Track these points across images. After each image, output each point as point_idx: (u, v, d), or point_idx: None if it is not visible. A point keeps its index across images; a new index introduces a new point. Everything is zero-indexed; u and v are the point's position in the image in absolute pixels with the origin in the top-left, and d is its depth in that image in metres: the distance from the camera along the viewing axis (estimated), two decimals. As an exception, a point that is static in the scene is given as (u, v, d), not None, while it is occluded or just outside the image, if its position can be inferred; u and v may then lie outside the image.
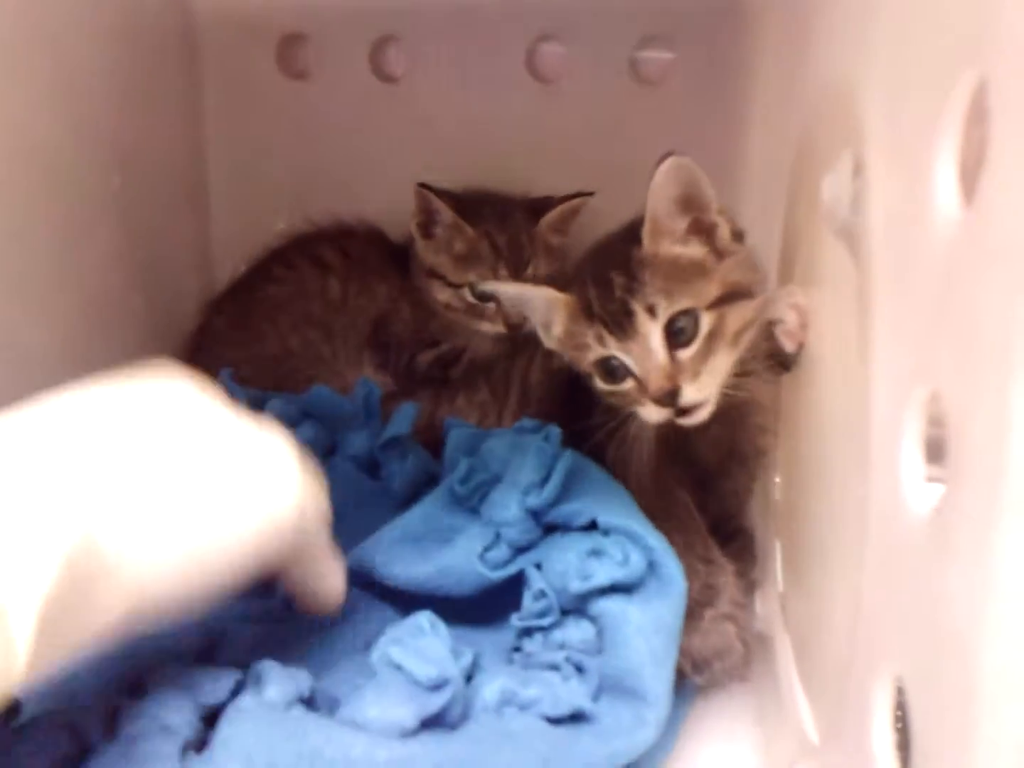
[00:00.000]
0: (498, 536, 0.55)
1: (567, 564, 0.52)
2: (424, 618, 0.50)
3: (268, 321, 0.81)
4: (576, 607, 0.53)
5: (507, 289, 0.72)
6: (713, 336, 0.53)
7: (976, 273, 0.27)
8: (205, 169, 0.88)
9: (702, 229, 0.56)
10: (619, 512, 0.54)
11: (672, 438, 0.59)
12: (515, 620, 0.54)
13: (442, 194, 0.79)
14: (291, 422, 0.68)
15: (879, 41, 0.38)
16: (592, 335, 0.56)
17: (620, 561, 0.51)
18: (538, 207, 0.82)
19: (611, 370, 0.56)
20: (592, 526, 0.55)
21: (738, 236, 0.57)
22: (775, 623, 0.57)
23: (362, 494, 0.65)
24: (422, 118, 0.86)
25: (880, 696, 0.35)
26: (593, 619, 0.52)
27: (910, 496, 0.32)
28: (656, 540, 0.52)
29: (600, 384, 0.58)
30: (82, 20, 0.69)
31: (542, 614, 0.53)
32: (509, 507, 0.54)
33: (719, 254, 0.56)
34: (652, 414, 0.55)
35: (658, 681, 0.49)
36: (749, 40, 0.80)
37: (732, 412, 0.57)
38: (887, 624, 0.34)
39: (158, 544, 0.36)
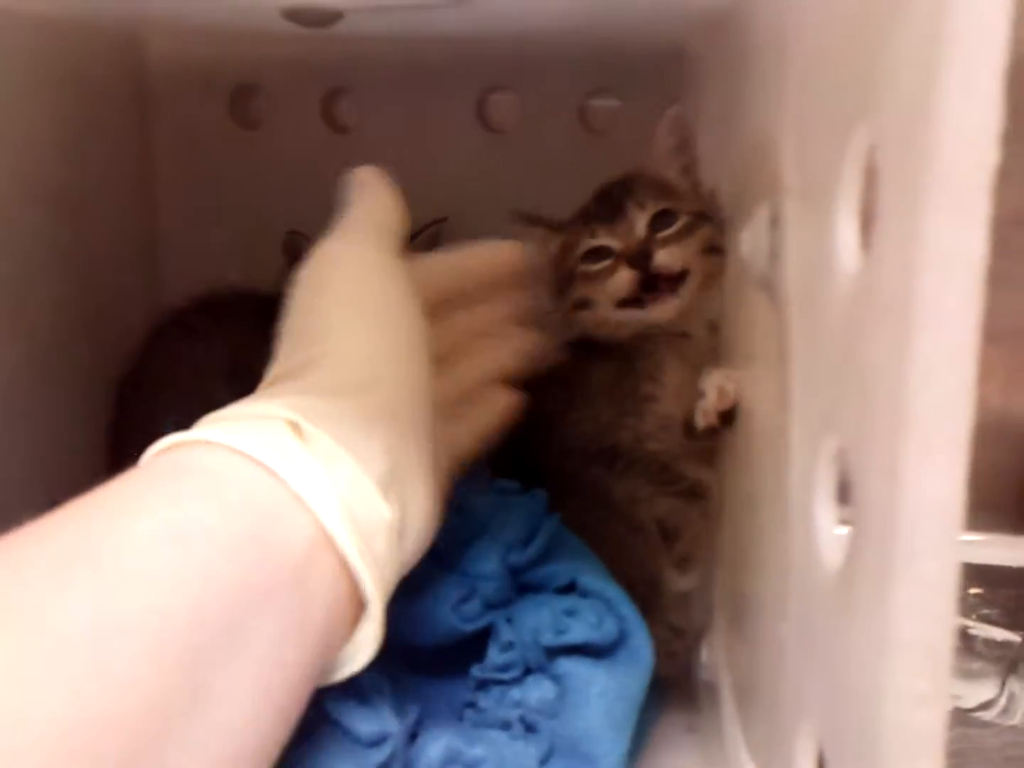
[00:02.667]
0: (474, 590, 0.53)
1: (540, 619, 0.52)
2: (366, 675, 0.49)
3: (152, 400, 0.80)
4: (540, 666, 0.52)
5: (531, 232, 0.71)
6: (686, 233, 0.61)
7: (870, 327, 0.27)
8: (155, 218, 0.88)
9: (689, 173, 0.68)
10: (597, 577, 0.54)
11: None
12: (475, 671, 0.53)
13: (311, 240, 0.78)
14: None
15: (791, 94, 0.39)
16: (586, 233, 0.64)
17: (594, 624, 0.51)
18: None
19: (595, 253, 0.63)
20: (569, 588, 0.54)
21: (714, 196, 0.65)
22: (720, 672, 0.57)
23: None
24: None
25: (803, 751, 0.34)
26: (556, 679, 0.51)
27: (823, 548, 0.32)
28: (629, 610, 0.52)
29: (580, 267, 0.63)
30: (29, 71, 0.69)
31: (505, 668, 0.52)
32: (489, 561, 0.53)
33: (698, 196, 0.66)
34: (620, 280, 0.60)
35: (615, 748, 0.48)
36: (693, 90, 0.81)
37: None
38: (805, 678, 0.34)
39: None
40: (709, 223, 0.61)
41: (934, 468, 0.24)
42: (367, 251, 0.44)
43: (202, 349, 0.82)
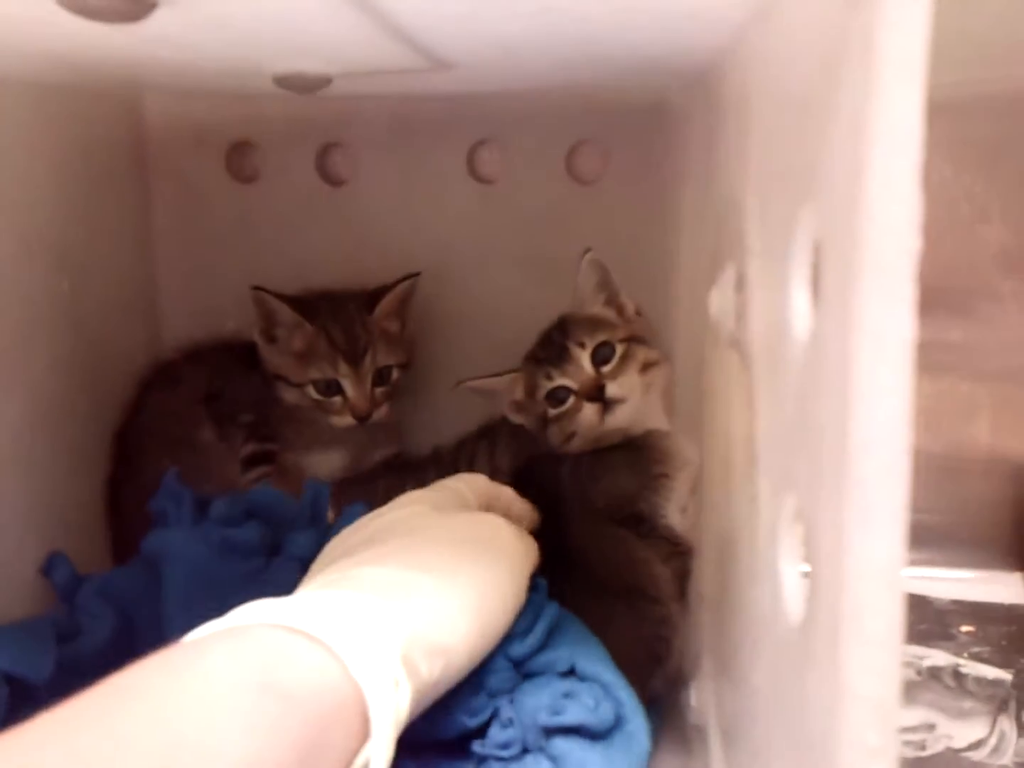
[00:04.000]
0: (480, 684, 0.54)
1: (540, 701, 0.53)
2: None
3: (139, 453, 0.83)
4: (538, 745, 0.53)
5: (482, 384, 0.80)
6: (625, 360, 0.75)
7: (819, 392, 0.29)
8: (155, 271, 0.91)
9: (612, 303, 0.79)
10: (596, 661, 0.56)
11: None
12: (476, 747, 0.54)
13: (279, 295, 0.80)
14: (234, 522, 0.68)
15: (753, 160, 0.40)
16: (542, 376, 0.76)
17: (591, 707, 0.52)
18: (374, 297, 0.84)
19: (557, 396, 0.75)
20: (569, 672, 0.56)
21: (639, 312, 0.80)
22: (709, 715, 0.58)
23: None
24: (367, 219, 0.89)
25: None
26: (553, 759, 0.53)
27: (786, 601, 0.33)
28: (627, 695, 0.54)
29: (551, 411, 0.75)
30: (32, 133, 0.71)
31: (505, 745, 0.53)
32: (494, 655, 0.53)
33: (626, 320, 0.78)
34: (588, 414, 0.73)
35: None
36: (676, 143, 0.83)
37: None
38: (774, 726, 0.35)
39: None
40: (642, 343, 0.76)
41: (876, 531, 0.25)
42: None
43: (185, 393, 0.84)
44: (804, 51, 0.31)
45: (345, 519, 0.69)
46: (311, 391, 0.81)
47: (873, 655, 0.26)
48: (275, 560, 0.68)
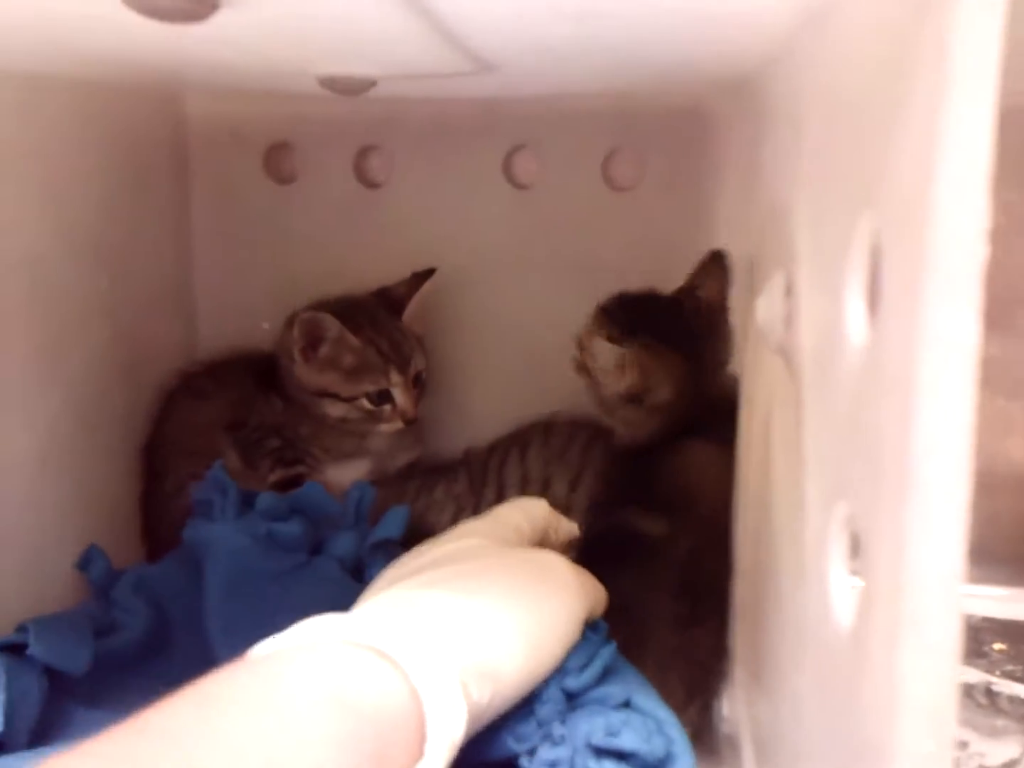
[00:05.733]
0: (531, 712, 0.52)
1: (594, 724, 0.52)
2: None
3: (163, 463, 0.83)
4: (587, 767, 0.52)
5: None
6: None
7: (877, 398, 0.29)
8: (191, 270, 0.91)
9: None
10: (650, 698, 0.55)
11: None
12: (524, 762, 0.52)
13: (332, 313, 0.80)
14: (279, 516, 0.69)
15: (805, 167, 0.40)
16: None
17: (644, 737, 0.52)
18: (390, 300, 0.84)
19: None
20: (623, 706, 0.54)
21: None
22: (741, 725, 0.58)
23: (345, 596, 0.65)
24: (402, 222, 0.90)
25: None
26: None
27: (836, 608, 0.33)
28: (678, 734, 0.53)
29: None
30: (75, 130, 0.72)
31: (554, 763, 0.52)
32: (547, 685, 0.52)
33: None
34: None
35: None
36: (714, 149, 0.83)
37: None
38: (821, 733, 0.35)
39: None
40: None
41: (937, 538, 0.25)
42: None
43: (208, 412, 0.85)
44: (865, 57, 0.31)
45: (388, 521, 0.70)
46: (364, 403, 0.81)
47: (931, 663, 0.26)
48: (316, 558, 0.68)
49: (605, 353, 0.68)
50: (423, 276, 0.86)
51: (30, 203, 0.67)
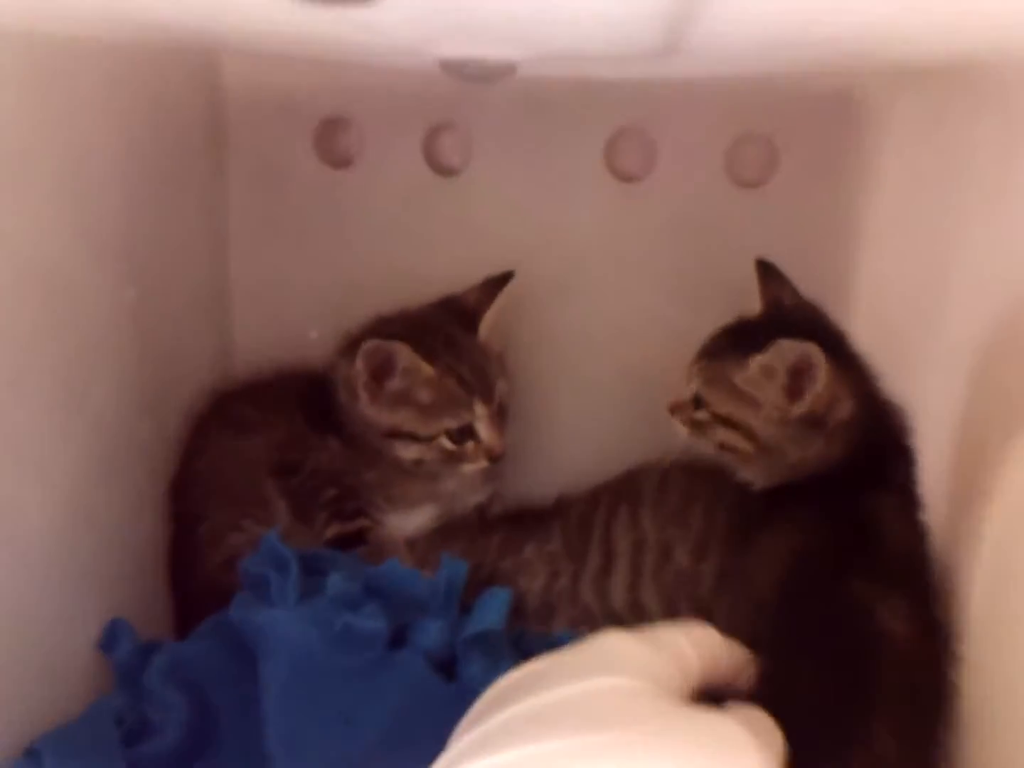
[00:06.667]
0: None
1: None
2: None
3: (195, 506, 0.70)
4: None
5: None
6: None
7: None
8: (227, 270, 0.77)
9: None
10: None
11: None
12: None
13: (397, 340, 0.65)
14: (352, 603, 0.56)
15: None
16: None
17: None
18: (461, 312, 0.69)
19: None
20: None
21: None
22: None
23: (432, 701, 0.53)
24: (481, 216, 0.75)
25: None
26: None
27: None
28: None
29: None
30: (96, 105, 0.57)
31: None
32: None
33: None
34: None
35: None
36: (866, 140, 0.69)
37: None
38: None
39: None
40: None
41: None
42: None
43: (251, 449, 0.70)
44: None
45: (486, 608, 0.57)
46: (444, 442, 0.67)
47: None
48: (398, 653, 0.55)
49: (776, 369, 0.57)
50: (499, 282, 0.71)
51: (45, 195, 0.52)
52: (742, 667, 0.44)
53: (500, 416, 0.69)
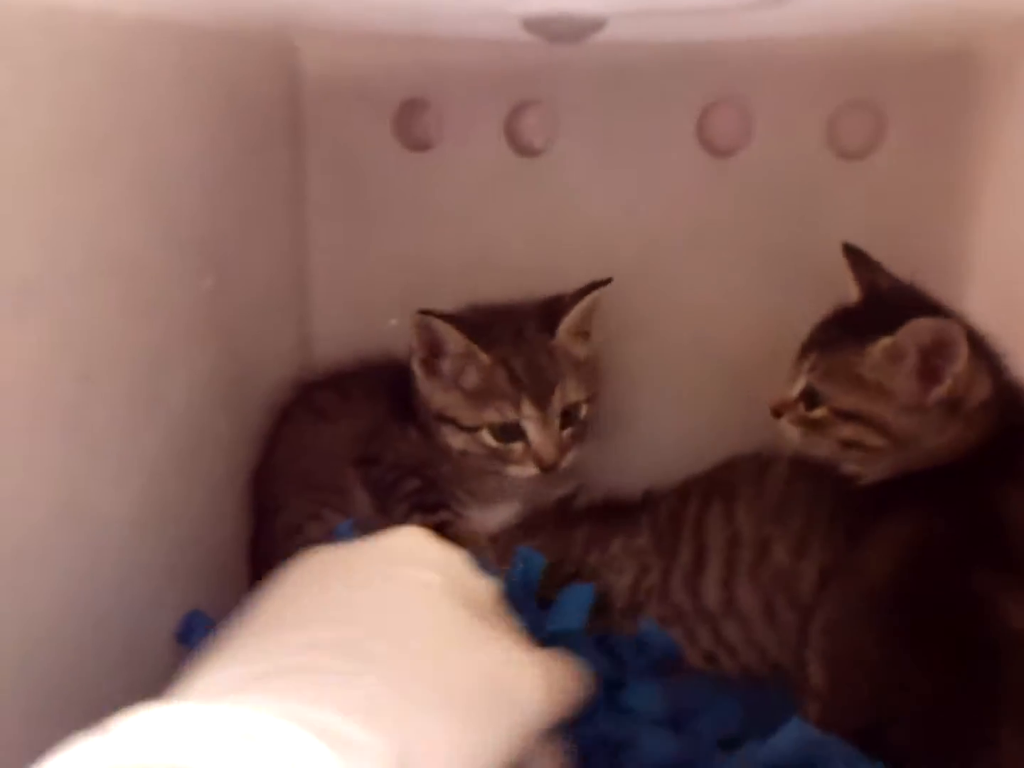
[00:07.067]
0: None
1: None
2: None
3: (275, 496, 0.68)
4: None
5: None
6: None
7: None
8: (306, 257, 0.75)
9: None
10: None
11: None
12: None
13: (449, 318, 0.63)
14: None
15: None
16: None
17: None
18: (553, 313, 0.65)
19: None
20: None
21: None
22: None
23: None
24: (566, 197, 0.72)
25: None
26: None
27: None
28: None
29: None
30: (174, 90, 0.56)
31: None
32: None
33: None
34: None
35: None
36: (987, 104, 0.64)
37: None
38: None
39: None
40: None
41: None
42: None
43: (331, 438, 0.69)
44: None
45: (568, 605, 0.54)
46: (486, 437, 0.63)
47: None
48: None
49: (907, 352, 0.53)
50: (590, 287, 0.65)
51: (124, 183, 0.51)
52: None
53: (565, 425, 0.64)
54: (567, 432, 0.64)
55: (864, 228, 0.67)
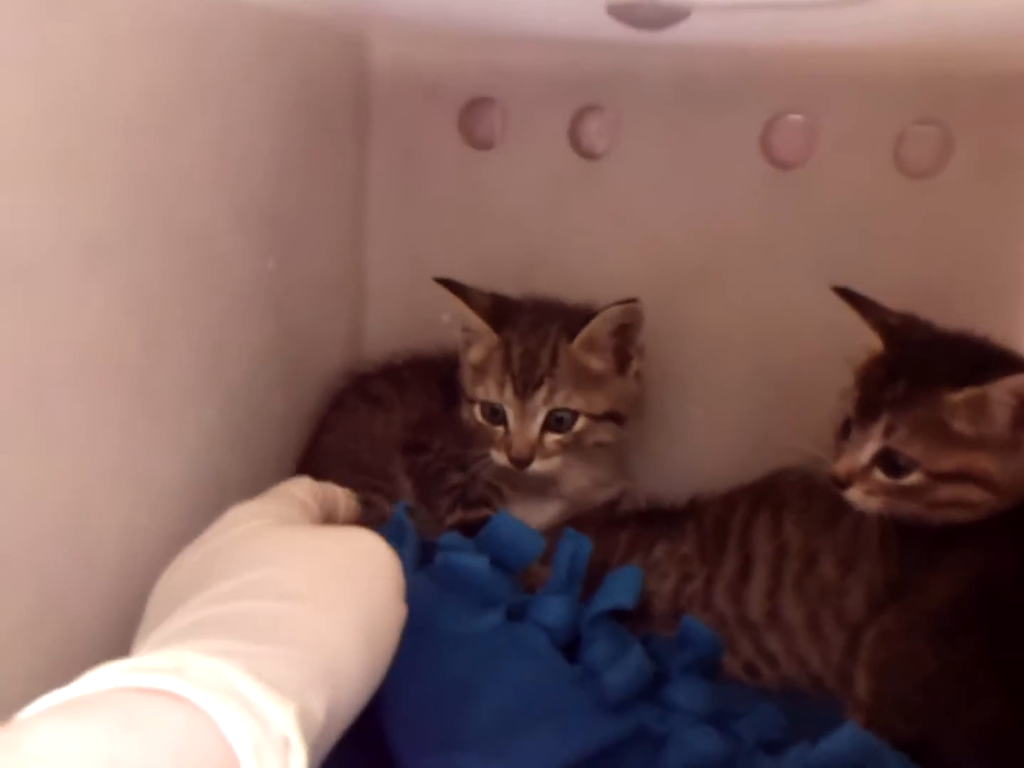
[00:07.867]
0: None
1: None
2: None
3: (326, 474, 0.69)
4: None
5: None
6: None
7: None
8: (365, 249, 0.76)
9: None
10: None
11: None
12: None
13: (467, 292, 0.65)
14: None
15: None
16: None
17: None
18: (581, 319, 0.64)
19: None
20: None
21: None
22: None
23: (554, 681, 0.49)
24: (626, 202, 0.72)
25: None
26: None
27: None
28: None
29: None
30: (248, 71, 0.57)
31: None
32: None
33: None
34: None
35: None
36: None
37: None
38: None
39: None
40: None
41: None
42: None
43: (384, 421, 0.70)
44: None
45: (615, 585, 0.53)
46: (477, 412, 0.65)
47: None
48: (519, 625, 0.51)
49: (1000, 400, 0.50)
50: (618, 303, 0.63)
51: (195, 158, 0.52)
52: (356, 510, 0.48)
53: (551, 427, 0.64)
54: (553, 436, 0.64)
55: (925, 248, 0.67)
